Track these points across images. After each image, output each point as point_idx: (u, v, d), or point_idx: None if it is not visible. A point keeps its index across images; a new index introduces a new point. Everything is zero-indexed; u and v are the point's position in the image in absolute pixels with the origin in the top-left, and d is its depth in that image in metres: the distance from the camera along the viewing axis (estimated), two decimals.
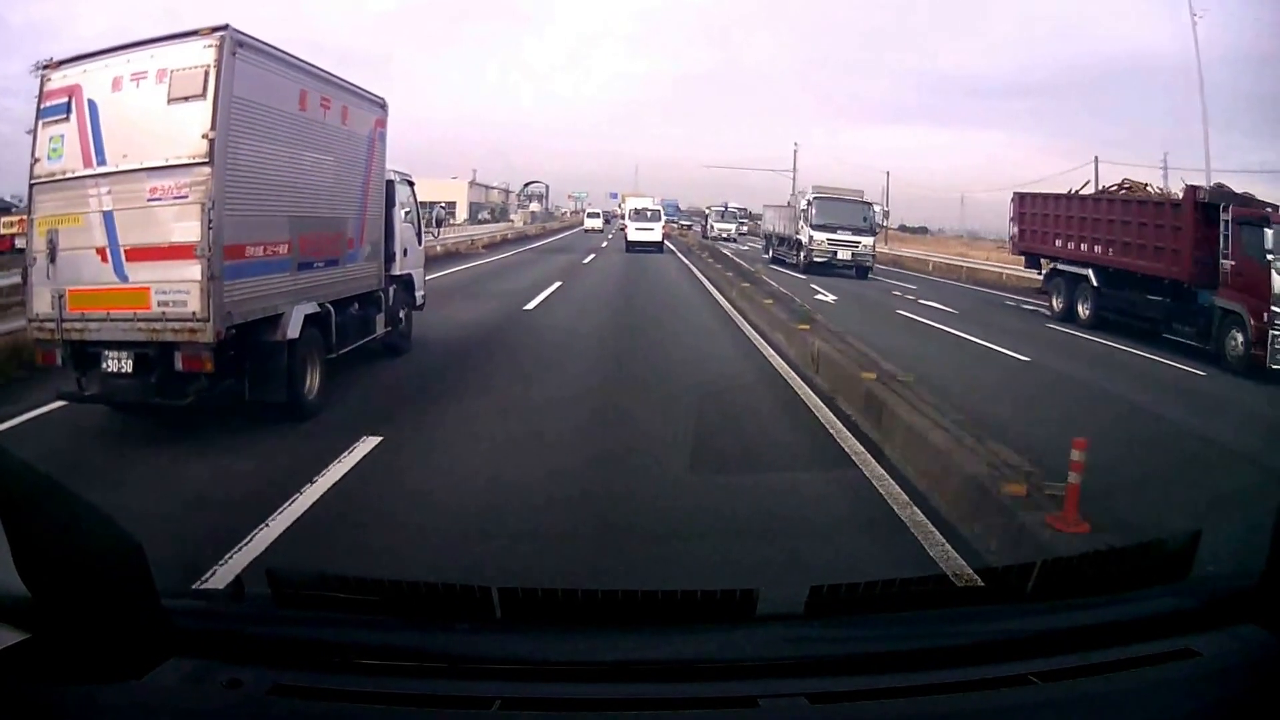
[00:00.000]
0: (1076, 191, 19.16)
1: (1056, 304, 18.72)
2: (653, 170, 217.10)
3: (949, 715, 1.58)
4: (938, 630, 1.85)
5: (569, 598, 1.81)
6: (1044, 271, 19.86)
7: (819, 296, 20.16)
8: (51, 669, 1.41)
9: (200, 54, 6.25)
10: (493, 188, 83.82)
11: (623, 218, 51.30)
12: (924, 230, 70.25)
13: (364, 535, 4.70)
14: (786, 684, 1.60)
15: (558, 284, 19.90)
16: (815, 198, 29.10)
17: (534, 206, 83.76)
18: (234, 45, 6.25)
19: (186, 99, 6.28)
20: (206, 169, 6.11)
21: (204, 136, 6.14)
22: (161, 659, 1.50)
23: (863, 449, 6.64)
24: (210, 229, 6.05)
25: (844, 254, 27.53)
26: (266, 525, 4.63)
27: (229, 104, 6.22)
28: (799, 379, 9.38)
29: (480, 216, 58.66)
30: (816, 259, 27.62)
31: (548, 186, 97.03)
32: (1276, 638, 1.72)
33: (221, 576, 3.99)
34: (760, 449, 6.79)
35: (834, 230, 27.60)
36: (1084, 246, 17.72)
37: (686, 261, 30.79)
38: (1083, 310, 17.70)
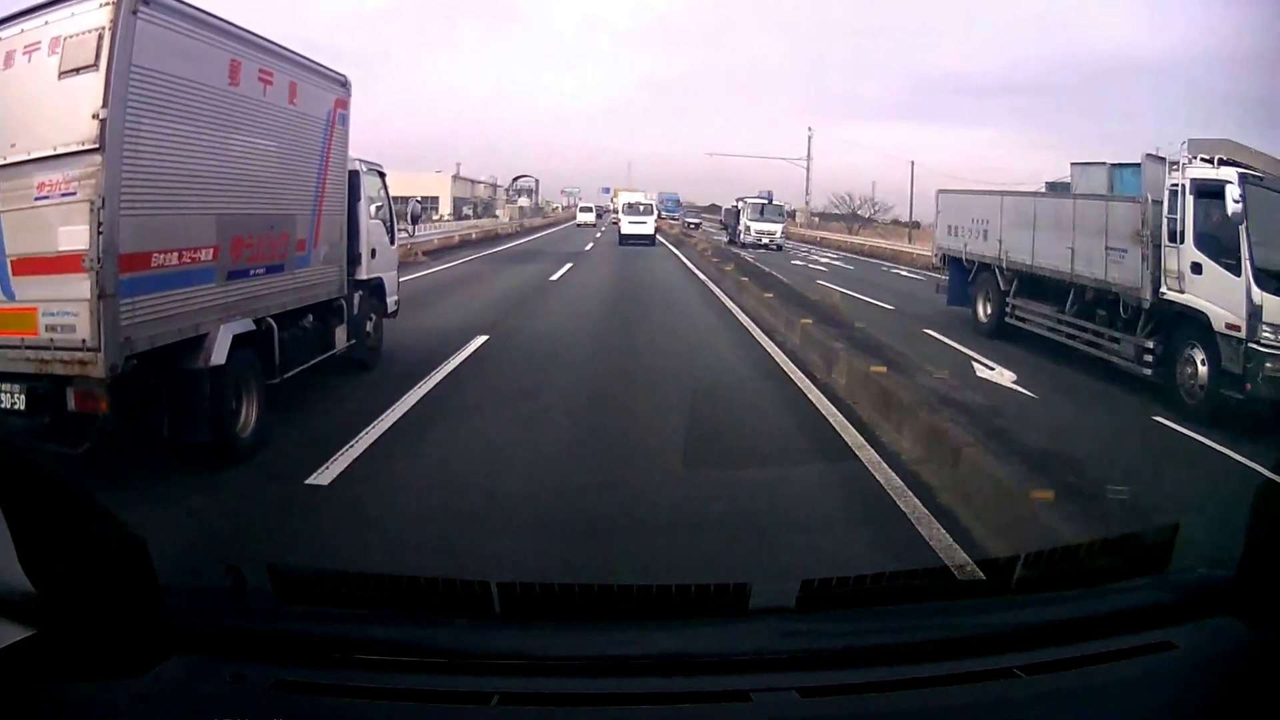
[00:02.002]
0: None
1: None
2: (650, 163, 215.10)
3: (937, 709, 1.64)
4: (925, 624, 1.91)
5: (566, 592, 1.89)
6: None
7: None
8: (57, 665, 1.49)
9: (95, 15, 5.05)
10: (479, 182, 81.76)
11: (615, 212, 51.68)
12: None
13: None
14: (778, 678, 1.65)
15: (473, 346, 10.20)
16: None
17: (522, 201, 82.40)
18: (135, 2, 5.11)
19: (78, 71, 5.08)
20: (97, 157, 4.96)
21: (94, 117, 4.98)
22: (165, 655, 1.55)
23: None
24: (100, 234, 4.90)
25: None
26: None
27: (126, 75, 5.05)
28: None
29: (464, 212, 56.97)
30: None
31: (537, 181, 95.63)
32: (1253, 630, 1.79)
33: None
34: None
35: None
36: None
37: (727, 300, 17.17)
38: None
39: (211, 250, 5.83)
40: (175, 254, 5.48)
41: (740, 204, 45.72)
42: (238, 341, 5.88)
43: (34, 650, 1.47)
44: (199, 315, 5.67)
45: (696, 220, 70.67)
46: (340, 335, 8.03)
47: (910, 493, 5.58)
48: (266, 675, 1.55)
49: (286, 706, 1.51)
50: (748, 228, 41.84)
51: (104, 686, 1.49)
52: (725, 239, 45.19)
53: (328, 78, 7.78)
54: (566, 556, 4.48)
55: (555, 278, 20.94)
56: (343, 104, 8.09)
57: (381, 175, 9.56)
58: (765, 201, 45.13)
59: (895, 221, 64.77)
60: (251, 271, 6.31)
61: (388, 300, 9.50)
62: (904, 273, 30.23)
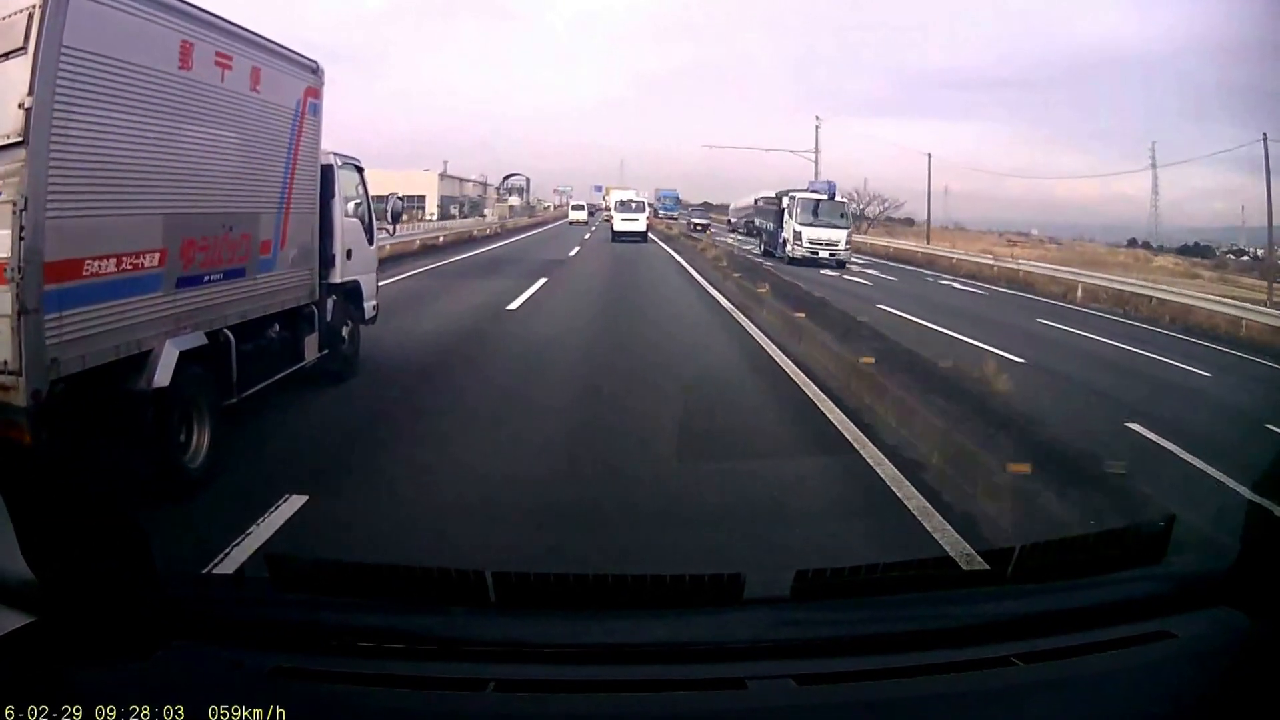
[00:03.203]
0: None
1: None
2: (644, 161, 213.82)
3: (933, 696, 1.65)
4: (920, 613, 1.96)
5: (561, 582, 1.92)
6: None
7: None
8: (57, 651, 1.54)
9: None
10: (468, 180, 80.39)
11: (608, 210, 51.52)
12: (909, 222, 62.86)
13: None
14: (774, 665, 1.69)
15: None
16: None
17: (513, 200, 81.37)
18: None
19: (7, 56, 4.59)
20: (21, 152, 4.42)
21: (20, 106, 4.46)
22: (164, 642, 1.59)
23: None
24: (22, 239, 4.36)
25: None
26: None
27: (55, 58, 4.49)
28: None
29: (450, 212, 56.06)
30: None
31: (528, 179, 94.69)
32: (1250, 619, 1.82)
33: None
34: None
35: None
36: None
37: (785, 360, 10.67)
38: None
39: (157, 255, 5.27)
40: (113, 260, 4.91)
41: (785, 200, 32.37)
42: (187, 358, 5.32)
43: (35, 637, 1.52)
44: (141, 330, 5.11)
45: (704, 220, 61.32)
46: (311, 346, 7.48)
47: None
48: (264, 662, 1.59)
49: (284, 692, 1.52)
50: (798, 235, 30.04)
51: (104, 673, 1.53)
52: (757, 249, 36.37)
53: (296, 63, 7.22)
54: None
55: (515, 305, 14.80)
56: (314, 92, 7.53)
57: (359, 170, 8.99)
58: (823, 196, 32.38)
59: (907, 220, 62.53)
60: (206, 278, 5.75)
61: (365, 306, 8.92)
62: (960, 285, 27.67)
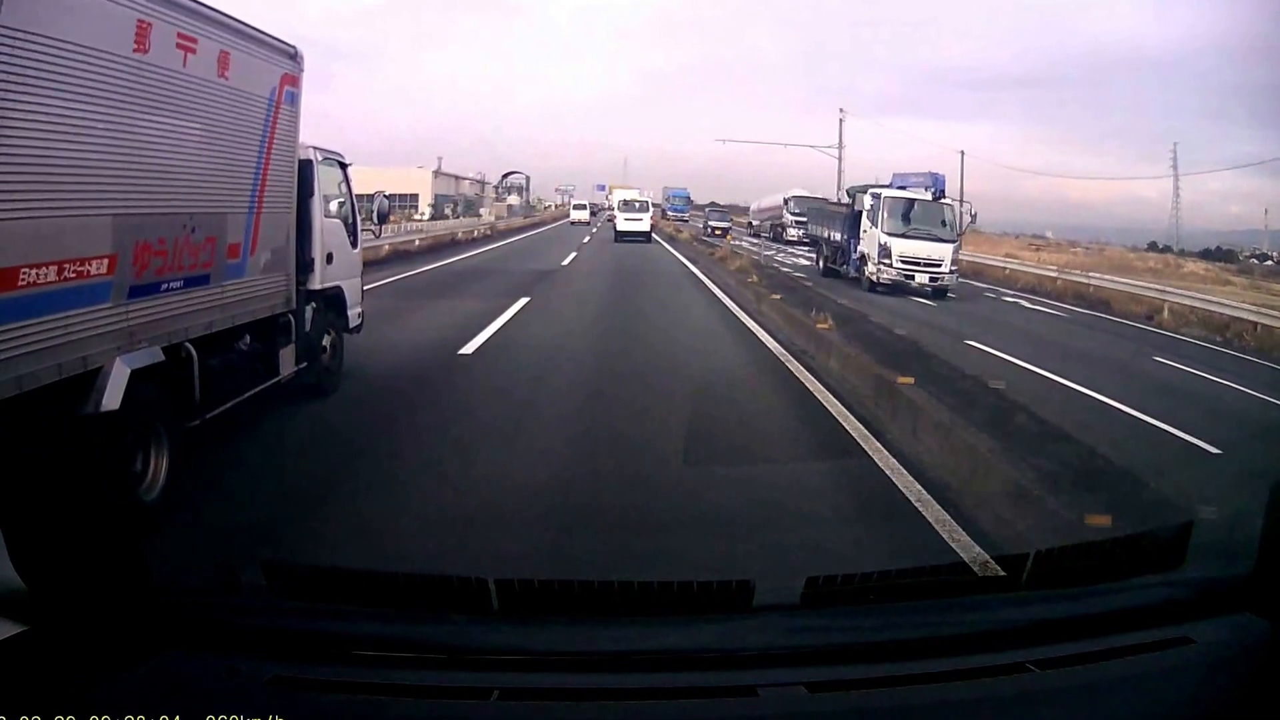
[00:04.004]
0: None
1: None
2: (651, 158, 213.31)
3: (948, 704, 1.64)
4: (934, 619, 1.93)
5: (565, 589, 1.92)
6: None
7: None
8: (49, 660, 1.52)
9: None
10: (464, 178, 78.88)
11: (611, 209, 51.04)
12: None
13: None
14: (785, 673, 1.66)
15: None
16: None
17: (512, 199, 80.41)
18: None
19: None
20: None
21: None
22: (159, 650, 1.59)
23: None
24: None
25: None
26: None
27: None
28: None
29: (444, 211, 55.21)
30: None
31: (528, 178, 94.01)
32: (1272, 625, 1.79)
33: None
34: None
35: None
36: None
37: None
38: None
39: (106, 261, 4.73)
40: (53, 268, 4.37)
41: (867, 200, 23.14)
42: (141, 377, 4.79)
43: (26, 646, 1.52)
44: (87, 345, 4.57)
45: (725, 223, 51.55)
46: (287, 358, 6.94)
47: None
48: (262, 671, 1.57)
49: (282, 702, 1.51)
50: (885, 250, 21.56)
51: (97, 681, 1.51)
52: (816, 263, 27.73)
53: (272, 48, 6.69)
54: None
55: (473, 347, 10.61)
56: (291, 80, 7.00)
57: (342, 166, 8.47)
58: (925, 194, 22.11)
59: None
60: (163, 286, 5.21)
61: (349, 313, 8.39)
62: (1030, 304, 23.10)
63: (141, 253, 5.01)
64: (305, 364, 7.26)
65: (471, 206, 64.98)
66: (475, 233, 39.61)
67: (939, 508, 5.38)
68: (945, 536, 4.95)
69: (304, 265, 7.33)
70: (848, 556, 4.61)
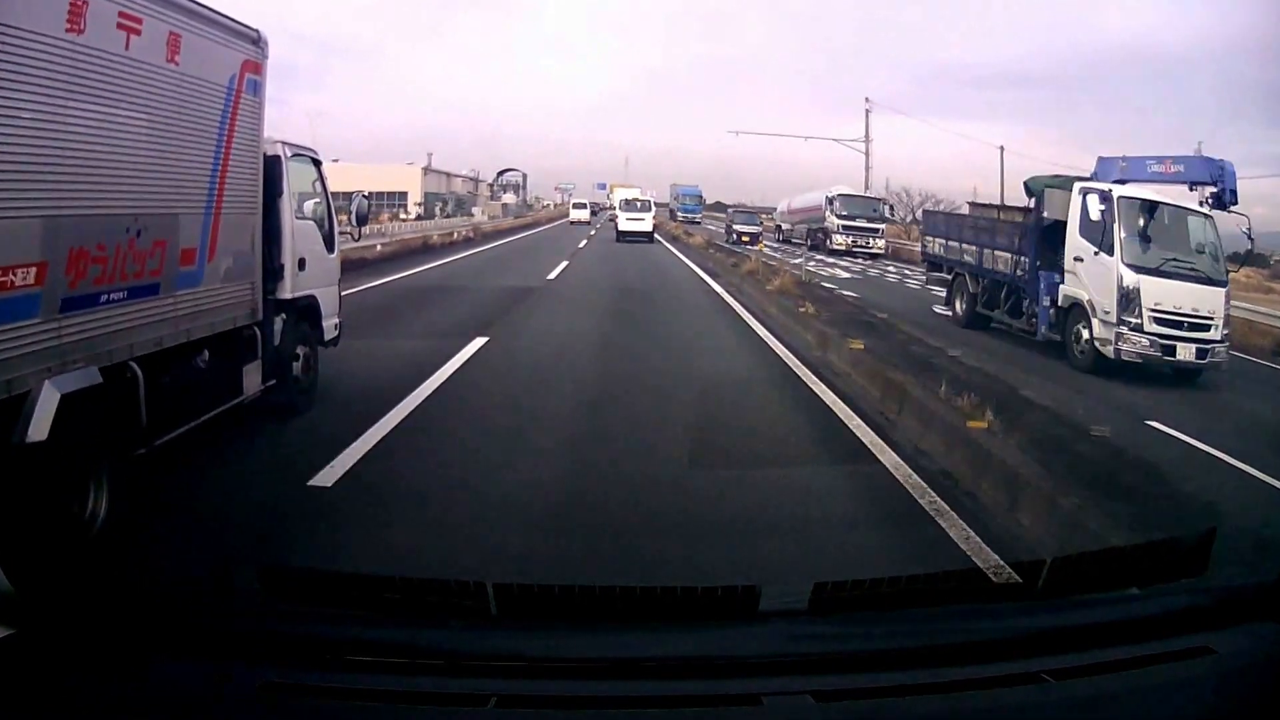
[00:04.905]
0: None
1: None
2: (654, 157, 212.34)
3: (959, 714, 1.62)
4: (945, 627, 1.91)
5: (565, 594, 1.88)
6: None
7: None
8: (36, 664, 1.51)
9: None
10: (457, 176, 77.57)
11: (612, 209, 50.71)
12: None
13: None
14: (791, 681, 1.63)
15: None
16: None
17: (507, 198, 79.62)
18: None
19: None
20: None
21: None
22: (150, 655, 1.58)
23: None
24: None
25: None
26: None
27: None
28: None
29: (434, 210, 54.42)
30: None
31: (525, 176, 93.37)
32: None
33: None
34: None
35: None
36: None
37: None
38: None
39: (34, 270, 4.19)
40: None
41: (1078, 200, 13.31)
42: (73, 402, 4.25)
43: (13, 650, 1.52)
44: (11, 367, 4.02)
45: (754, 228, 43.29)
46: (252, 375, 6.39)
47: None
48: (254, 677, 1.56)
49: (274, 708, 1.52)
50: (1129, 297, 12.28)
51: (88, 685, 1.49)
52: (950, 305, 17.50)
53: (231, 31, 6.14)
54: None
55: (329, 479, 5.53)
56: (254, 67, 6.47)
57: (316, 163, 7.93)
58: (1188, 197, 13.95)
59: None
60: (103, 297, 4.66)
61: (325, 324, 7.84)
62: None
63: (76, 260, 4.48)
64: (274, 381, 6.71)
65: (463, 205, 64.17)
66: (455, 235, 35.61)
67: None
68: None
69: (272, 272, 6.79)
70: None
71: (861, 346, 10.33)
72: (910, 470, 6.31)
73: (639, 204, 41.79)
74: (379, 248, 23.77)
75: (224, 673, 1.55)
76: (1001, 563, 4.05)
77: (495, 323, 12.65)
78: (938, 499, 5.71)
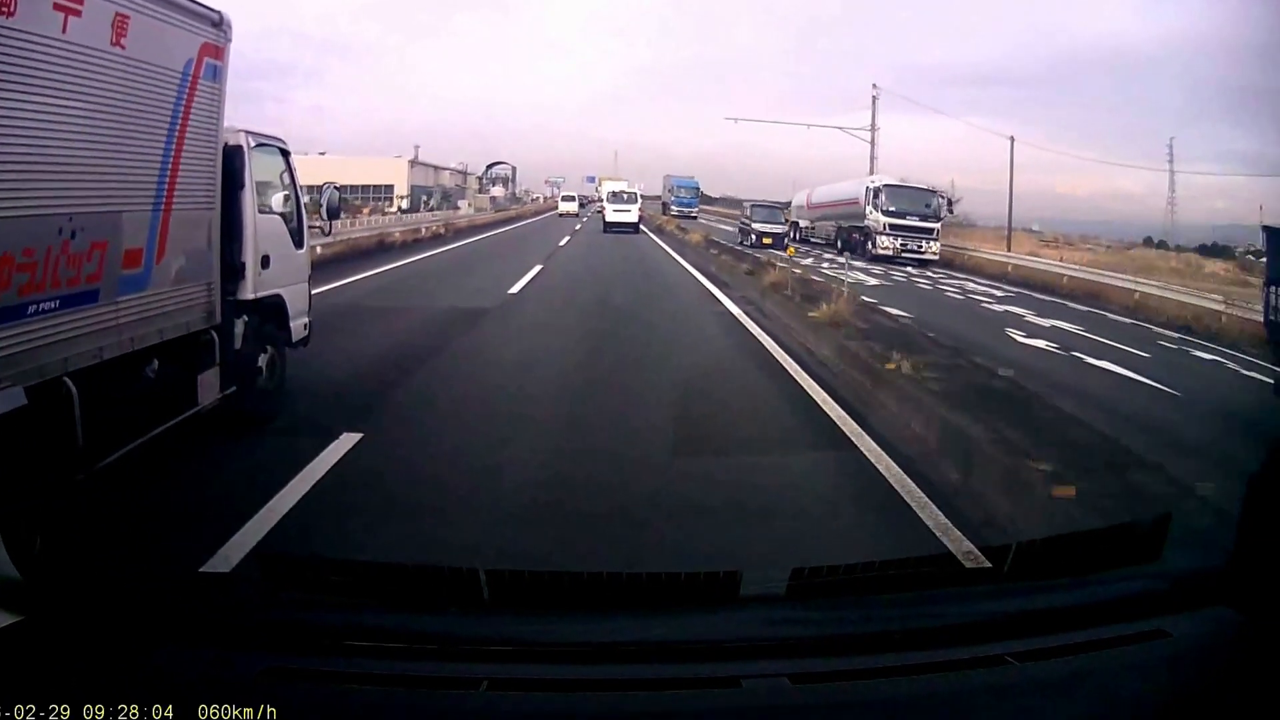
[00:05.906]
0: None
1: None
2: (644, 150, 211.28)
3: (928, 695, 1.68)
4: (916, 611, 2.02)
5: (555, 580, 2.00)
6: None
7: None
8: (44, 650, 1.60)
9: None
10: (444, 169, 76.54)
11: (600, 201, 51.85)
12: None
13: None
14: (769, 664, 1.73)
15: None
16: None
17: (496, 191, 79.09)
18: None
19: None
20: None
21: None
22: (154, 640, 1.65)
23: None
24: None
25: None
26: None
27: None
28: None
29: (419, 203, 53.81)
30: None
31: (514, 169, 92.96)
32: (1247, 619, 1.86)
33: None
34: None
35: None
36: None
37: None
38: None
39: None
40: None
41: None
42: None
43: (21, 636, 1.60)
44: None
45: (779, 228, 36.49)
46: (209, 384, 6.00)
47: None
48: (254, 662, 1.62)
49: (274, 693, 1.53)
50: None
51: (92, 671, 1.56)
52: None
53: (187, 11, 5.72)
54: None
55: None
56: (214, 51, 6.06)
57: (284, 153, 7.54)
58: None
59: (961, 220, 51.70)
60: (30, 308, 4.27)
61: (293, 324, 7.45)
62: (1193, 348, 16.73)
63: (3, 266, 4.08)
64: (234, 388, 6.33)
65: (449, 198, 63.43)
66: (424, 232, 31.77)
67: None
68: None
69: (232, 271, 6.40)
70: None
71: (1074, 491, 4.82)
72: None
73: (625, 196, 44.08)
74: (318, 249, 15.50)
75: (225, 659, 1.62)
76: (964, 549, 4.26)
77: (394, 389, 7.92)
78: None
